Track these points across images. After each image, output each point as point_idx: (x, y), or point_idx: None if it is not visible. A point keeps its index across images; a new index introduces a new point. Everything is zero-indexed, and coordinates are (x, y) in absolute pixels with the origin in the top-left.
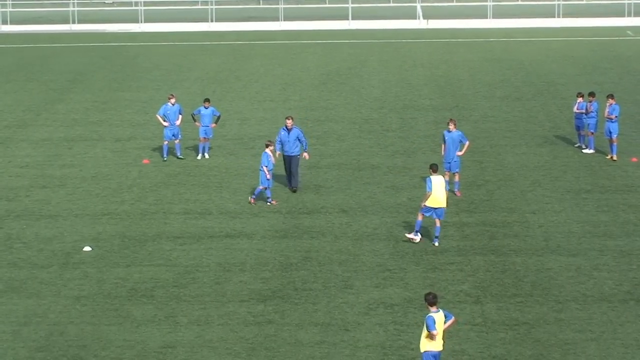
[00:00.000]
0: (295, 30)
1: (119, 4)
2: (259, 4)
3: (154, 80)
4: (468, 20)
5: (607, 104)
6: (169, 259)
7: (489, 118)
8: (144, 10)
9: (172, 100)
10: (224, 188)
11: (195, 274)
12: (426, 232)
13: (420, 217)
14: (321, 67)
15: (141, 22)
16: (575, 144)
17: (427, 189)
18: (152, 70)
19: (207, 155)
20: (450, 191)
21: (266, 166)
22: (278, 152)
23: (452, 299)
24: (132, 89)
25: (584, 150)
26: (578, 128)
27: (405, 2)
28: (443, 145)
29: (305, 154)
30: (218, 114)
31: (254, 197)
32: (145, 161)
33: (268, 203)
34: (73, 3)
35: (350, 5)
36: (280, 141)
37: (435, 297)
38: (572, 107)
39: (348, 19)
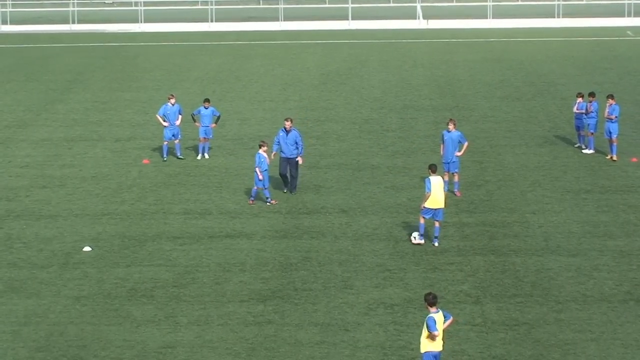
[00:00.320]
0: (295, 30)
1: (118, 4)
2: (259, 4)
3: (153, 81)
4: (468, 21)
5: (607, 104)
6: (169, 259)
7: (488, 118)
8: (144, 10)
9: (172, 101)
10: (223, 188)
11: (195, 274)
12: (425, 233)
13: (422, 221)
14: (321, 67)
15: (141, 22)
16: (575, 144)
17: (426, 190)
18: (152, 71)
19: (207, 156)
20: (450, 191)
21: (258, 167)
22: (274, 152)
23: (452, 299)
24: (132, 89)
25: (583, 151)
26: (578, 128)
27: (405, 2)
28: (442, 146)
29: (300, 159)
30: (218, 114)
31: (252, 198)
32: (145, 161)
33: (267, 203)
34: (73, 3)
35: (350, 5)
36: (278, 142)
37: (435, 297)
38: (572, 107)
39: (348, 19)
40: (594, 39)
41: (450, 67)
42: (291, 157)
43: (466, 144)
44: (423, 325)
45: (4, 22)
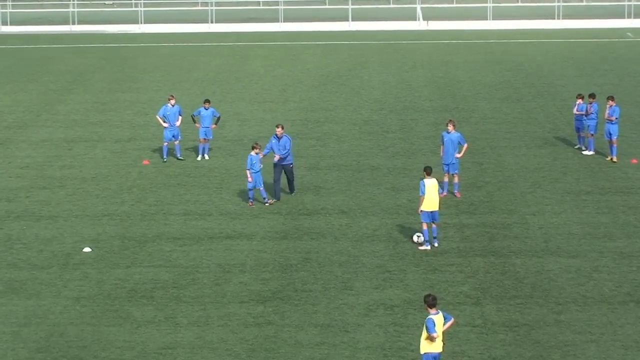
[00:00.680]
0: (295, 31)
1: (119, 5)
2: (259, 5)
3: (153, 81)
4: (468, 22)
5: (607, 106)
6: (169, 260)
7: (489, 119)
8: (144, 11)
9: (172, 101)
10: (224, 189)
11: (195, 275)
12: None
13: (425, 227)
14: (321, 68)
15: (141, 23)
16: (575, 145)
17: (420, 193)
18: (152, 71)
19: (207, 156)
20: (450, 192)
21: (248, 169)
22: (262, 155)
23: (452, 300)
24: (132, 90)
25: (584, 152)
26: (578, 130)
27: (405, 4)
28: (442, 147)
29: (277, 157)
30: (218, 115)
31: (250, 200)
32: (145, 162)
33: (266, 203)
34: (73, 4)
35: (350, 6)
36: (270, 149)
37: (434, 299)
38: (572, 108)
39: (348, 20)
40: (594, 40)
41: (450, 68)
42: (285, 163)
43: (466, 145)
44: (423, 326)
45: (4, 23)
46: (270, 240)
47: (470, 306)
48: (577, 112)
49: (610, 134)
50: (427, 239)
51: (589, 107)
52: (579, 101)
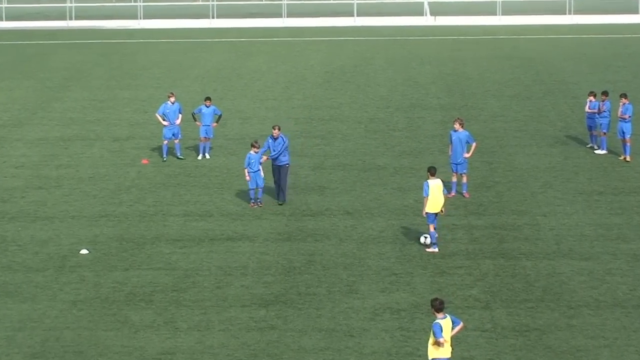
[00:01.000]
0: (299, 27)
1: (117, 0)
2: (261, 0)
3: (153, 78)
4: (476, 17)
5: (620, 104)
6: (169, 262)
7: (498, 117)
8: (143, 6)
9: (172, 99)
10: (225, 189)
11: (195, 278)
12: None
13: (432, 229)
14: (325, 64)
15: (140, 18)
16: (587, 144)
17: (424, 194)
18: (152, 68)
19: (207, 156)
20: (458, 193)
21: (245, 167)
22: (265, 157)
23: (460, 304)
24: (131, 87)
25: (596, 151)
26: (590, 128)
27: None
28: (450, 146)
29: (264, 157)
30: (219, 113)
31: (252, 200)
32: (144, 161)
33: (257, 204)
34: None
35: (355, 1)
36: (266, 149)
37: (442, 303)
38: (584, 106)
39: (353, 16)
40: (606, 35)
41: (458, 64)
42: (281, 164)
43: (474, 144)
44: (430, 331)
45: (0, 19)
46: (273, 242)
47: (480, 310)
48: (589, 110)
49: (623, 133)
50: (434, 240)
51: (601, 105)
52: (591, 99)
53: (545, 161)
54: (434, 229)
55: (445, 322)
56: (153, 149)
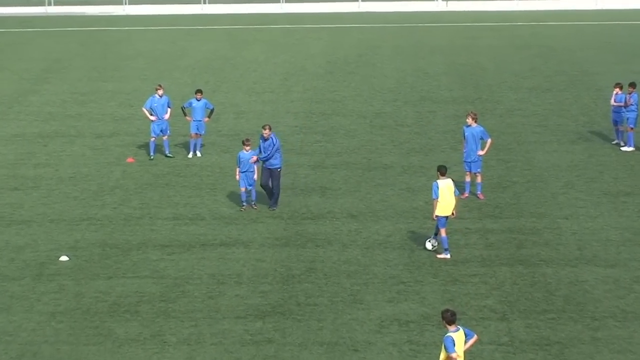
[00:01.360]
0: (299, 13)
1: None
2: None
3: (139, 70)
4: (492, 2)
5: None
6: (156, 270)
7: (516, 111)
8: None
9: (160, 92)
10: (218, 190)
11: (185, 287)
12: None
13: (443, 233)
14: (327, 54)
15: (125, 4)
16: (613, 140)
17: (433, 196)
18: (138, 58)
19: (199, 153)
20: (472, 194)
21: (238, 167)
22: (255, 157)
23: (474, 315)
24: (115, 79)
25: (622, 148)
26: (616, 123)
27: None
28: (463, 142)
29: (254, 157)
30: (211, 107)
31: (243, 203)
32: (129, 160)
33: (245, 206)
34: None
35: None
36: (257, 151)
37: (454, 314)
38: (610, 99)
39: (357, 1)
40: (633, 22)
41: (472, 54)
42: (272, 167)
43: (489, 140)
44: (441, 344)
45: None
46: (269, 247)
47: (496, 322)
48: (615, 104)
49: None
50: (446, 246)
51: (628, 98)
52: (617, 91)
53: (567, 159)
54: (446, 233)
55: (457, 335)
56: (139, 147)
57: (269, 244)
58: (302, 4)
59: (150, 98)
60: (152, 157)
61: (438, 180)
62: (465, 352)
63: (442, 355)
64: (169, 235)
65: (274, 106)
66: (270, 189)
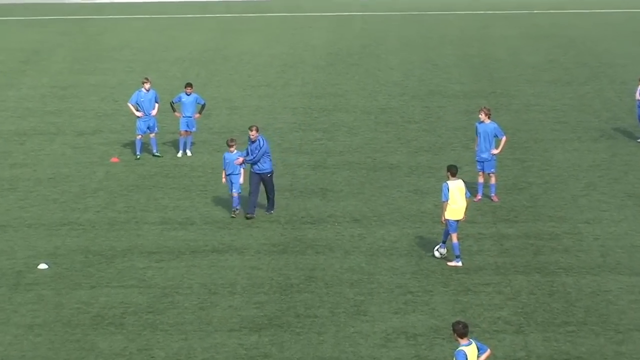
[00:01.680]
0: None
1: None
2: None
3: (124, 62)
4: None
5: None
6: (143, 279)
7: (533, 107)
8: None
9: (147, 86)
10: (209, 192)
11: (174, 298)
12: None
13: (454, 239)
14: (329, 45)
15: None
16: (638, 138)
17: (443, 198)
18: (123, 49)
19: (189, 152)
20: (486, 196)
21: (224, 169)
22: (242, 158)
23: (488, 327)
24: (98, 71)
25: None
26: None
27: None
28: (476, 140)
29: (240, 159)
30: (202, 102)
31: (233, 208)
32: (113, 160)
33: (232, 214)
34: None
35: None
36: (246, 153)
37: (466, 327)
38: (634, 93)
39: None
40: None
41: (485, 44)
42: (261, 172)
43: (504, 138)
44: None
45: None
46: (266, 254)
47: (511, 335)
48: None
49: None
50: (457, 253)
51: None
52: None
53: (589, 158)
54: (457, 239)
55: (470, 350)
56: (124, 145)
57: (265, 251)
58: None
59: (137, 92)
60: (138, 157)
61: (448, 182)
62: None
63: None
64: (157, 241)
65: (270, 101)
66: (255, 197)
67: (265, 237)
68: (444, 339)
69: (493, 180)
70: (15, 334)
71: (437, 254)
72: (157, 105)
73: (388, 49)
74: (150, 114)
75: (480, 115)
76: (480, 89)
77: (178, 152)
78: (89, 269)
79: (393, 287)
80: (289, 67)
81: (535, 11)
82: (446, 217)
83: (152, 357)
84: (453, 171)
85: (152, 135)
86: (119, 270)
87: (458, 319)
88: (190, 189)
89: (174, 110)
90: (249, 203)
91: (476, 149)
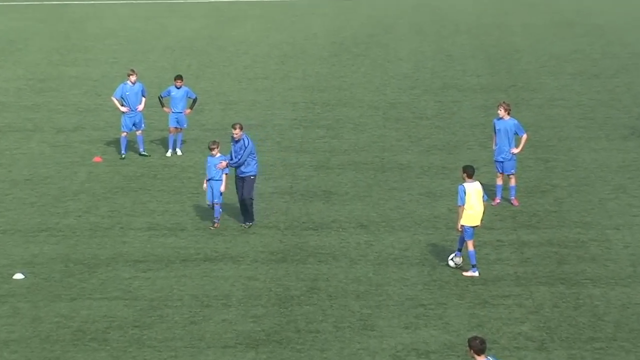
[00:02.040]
0: None
1: None
2: None
3: (108, 52)
4: None
5: None
6: (128, 290)
7: (557, 102)
8: None
9: (133, 78)
10: (201, 195)
11: (163, 311)
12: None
13: (471, 246)
14: (332, 33)
15: None
16: None
17: (459, 202)
18: (107, 38)
19: (179, 151)
20: (505, 199)
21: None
22: (225, 162)
23: (507, 344)
24: (80, 62)
25: None
26: None
27: None
28: (494, 138)
29: (223, 163)
30: (194, 97)
31: (214, 219)
32: (96, 159)
33: (214, 222)
34: None
35: None
36: (228, 156)
37: (483, 342)
38: None
39: None
40: None
41: (504, 33)
42: (243, 175)
43: (525, 136)
44: None
45: None
46: (263, 263)
47: (533, 352)
48: None
49: None
50: (474, 262)
51: None
52: None
53: (618, 158)
54: (474, 246)
55: None
56: (108, 143)
57: (262, 259)
58: None
59: (122, 85)
60: (123, 156)
61: (464, 184)
62: None
63: None
64: (144, 249)
65: (268, 95)
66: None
67: (262, 245)
68: (459, 356)
69: (513, 182)
70: None
71: (451, 263)
72: (144, 99)
73: (397, 38)
74: (136, 109)
75: (498, 111)
76: (499, 82)
77: (167, 151)
78: (70, 280)
79: (403, 300)
80: (289, 57)
81: None
82: (462, 223)
83: None
84: (470, 172)
85: (138, 132)
86: (102, 281)
87: (474, 334)
88: (180, 191)
89: (163, 105)
90: (241, 211)
91: (494, 147)
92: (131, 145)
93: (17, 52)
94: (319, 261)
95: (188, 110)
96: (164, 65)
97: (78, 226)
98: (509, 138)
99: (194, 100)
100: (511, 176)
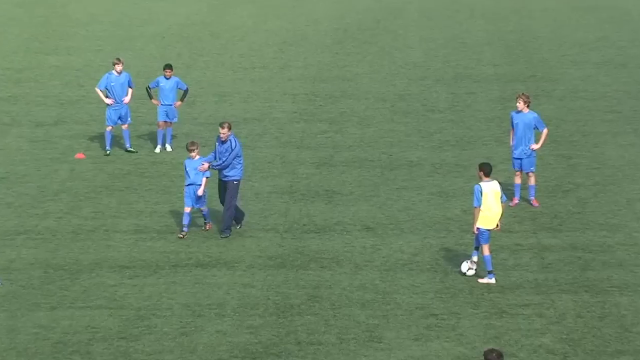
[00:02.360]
0: None
1: None
2: None
3: (92, 39)
4: None
5: None
6: (114, 298)
7: (580, 94)
8: None
9: (119, 68)
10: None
11: (151, 321)
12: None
13: (487, 251)
14: (336, 19)
15: None
16: None
17: (475, 203)
18: (90, 24)
19: (168, 147)
20: (524, 199)
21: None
22: (207, 163)
23: (527, 357)
24: (61, 51)
25: None
26: None
27: None
28: (512, 133)
29: (205, 164)
30: (185, 88)
31: (184, 227)
32: (79, 156)
33: (203, 227)
34: None
35: None
36: (214, 157)
37: (500, 356)
38: None
39: None
40: None
41: (523, 19)
42: (226, 179)
43: (545, 131)
44: None
45: None
46: (261, 269)
47: None
48: None
49: None
50: (490, 268)
51: None
52: None
53: None
54: (490, 251)
55: None
56: (92, 138)
57: (259, 265)
58: None
59: (106, 76)
60: (108, 152)
61: (481, 183)
62: None
63: None
64: (130, 254)
65: (266, 86)
66: (239, 210)
67: (259, 249)
68: None
69: (532, 181)
70: None
71: (464, 267)
72: (130, 91)
73: (407, 24)
74: (122, 101)
75: (517, 104)
76: (517, 71)
77: (156, 146)
78: (49, 287)
79: (413, 309)
80: (289, 45)
81: None
82: (478, 226)
83: None
84: (486, 170)
85: (124, 126)
86: (85, 288)
87: (491, 346)
88: (170, 191)
89: (151, 97)
90: (235, 220)
91: (512, 143)
92: (116, 141)
93: None
94: (321, 267)
95: (178, 103)
96: (152, 53)
97: (59, 229)
98: (528, 133)
99: (185, 92)
100: (530, 174)
